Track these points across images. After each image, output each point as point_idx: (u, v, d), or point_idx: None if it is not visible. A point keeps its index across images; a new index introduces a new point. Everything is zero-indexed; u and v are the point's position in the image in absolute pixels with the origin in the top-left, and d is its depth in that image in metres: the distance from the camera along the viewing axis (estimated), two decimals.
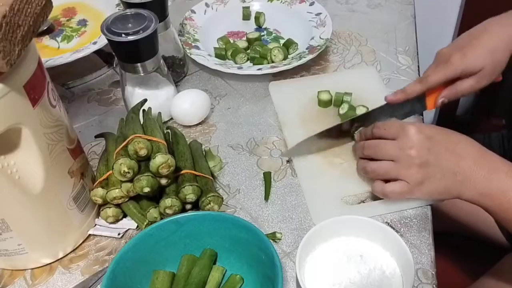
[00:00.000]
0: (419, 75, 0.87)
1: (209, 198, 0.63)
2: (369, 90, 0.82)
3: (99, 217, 0.65)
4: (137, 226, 0.65)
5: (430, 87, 0.70)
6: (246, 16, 0.98)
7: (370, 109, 0.75)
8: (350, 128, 0.73)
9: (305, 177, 0.70)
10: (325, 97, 0.79)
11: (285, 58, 0.87)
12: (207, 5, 0.99)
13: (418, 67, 0.88)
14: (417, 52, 0.92)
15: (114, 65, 0.91)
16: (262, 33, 0.95)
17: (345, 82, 0.84)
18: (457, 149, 0.61)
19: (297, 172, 0.71)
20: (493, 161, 0.61)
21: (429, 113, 1.53)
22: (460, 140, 0.62)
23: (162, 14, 0.79)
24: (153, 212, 0.62)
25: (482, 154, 0.61)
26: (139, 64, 0.72)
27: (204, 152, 0.72)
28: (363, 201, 0.67)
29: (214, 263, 0.58)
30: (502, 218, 0.60)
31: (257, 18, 0.97)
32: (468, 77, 0.69)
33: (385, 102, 0.72)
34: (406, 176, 0.61)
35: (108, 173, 0.64)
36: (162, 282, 0.55)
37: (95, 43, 0.84)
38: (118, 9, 0.89)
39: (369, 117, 0.73)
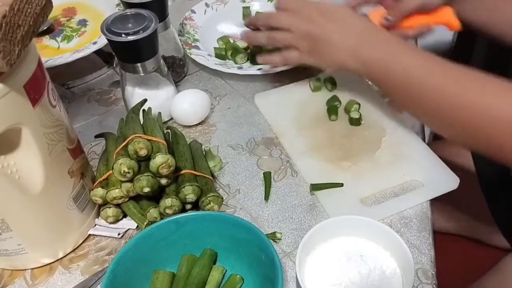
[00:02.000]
0: None
1: (209, 198, 0.63)
2: (357, 85, 0.82)
3: (99, 217, 0.65)
4: (137, 226, 0.65)
5: None
6: (246, 16, 0.98)
7: None
8: None
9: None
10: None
11: None
12: (207, 5, 0.99)
13: None
14: None
15: (114, 65, 0.91)
16: None
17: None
18: (344, 20, 0.67)
19: (307, 180, 0.70)
20: (376, 35, 0.66)
21: None
22: (348, 15, 0.68)
23: (162, 14, 0.79)
24: (153, 212, 0.62)
25: (367, 27, 0.67)
26: (139, 64, 0.72)
27: (204, 152, 0.72)
28: (382, 201, 0.67)
29: (214, 263, 0.58)
30: (383, 88, 0.66)
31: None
32: None
33: None
34: (298, 44, 0.70)
35: (108, 173, 0.64)
36: (162, 282, 0.55)
37: (95, 43, 0.84)
38: (118, 9, 0.89)
39: None
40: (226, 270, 0.58)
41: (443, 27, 0.77)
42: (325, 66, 0.71)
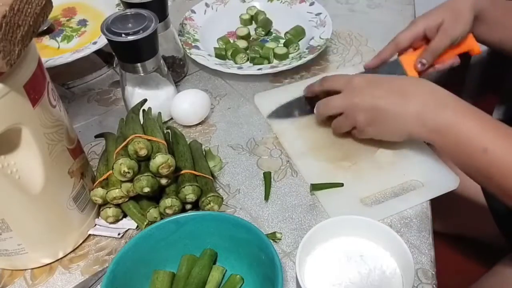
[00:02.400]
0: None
1: (209, 198, 0.63)
2: None
3: (99, 217, 0.65)
4: (137, 226, 0.65)
5: (399, 45, 0.76)
6: (244, 21, 0.98)
7: None
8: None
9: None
10: None
11: (286, 55, 0.88)
12: (207, 5, 0.99)
13: None
14: None
15: (114, 65, 0.91)
16: (256, 30, 0.94)
17: None
18: (404, 89, 0.64)
19: (307, 180, 0.70)
20: (441, 97, 0.62)
21: None
22: (410, 82, 0.65)
23: (162, 14, 0.79)
24: (153, 212, 0.62)
25: (431, 91, 0.63)
26: (139, 64, 0.72)
27: (204, 152, 0.72)
28: (382, 201, 0.67)
29: (214, 263, 0.58)
30: (449, 155, 0.62)
31: (255, 17, 0.97)
32: (434, 34, 0.75)
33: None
34: (354, 123, 0.67)
35: (108, 173, 0.64)
36: (162, 282, 0.55)
37: (95, 43, 0.84)
38: (118, 9, 0.89)
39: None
40: (226, 270, 0.58)
41: (466, 53, 0.80)
42: (387, 139, 0.68)
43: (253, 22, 0.98)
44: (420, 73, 0.78)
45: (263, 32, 0.94)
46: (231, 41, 0.93)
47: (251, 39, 0.93)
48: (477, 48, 0.78)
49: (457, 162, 0.62)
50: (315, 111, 0.74)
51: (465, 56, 0.79)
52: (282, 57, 0.88)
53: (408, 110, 0.62)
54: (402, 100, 0.63)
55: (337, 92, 0.69)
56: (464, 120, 0.60)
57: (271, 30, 0.95)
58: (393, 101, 0.63)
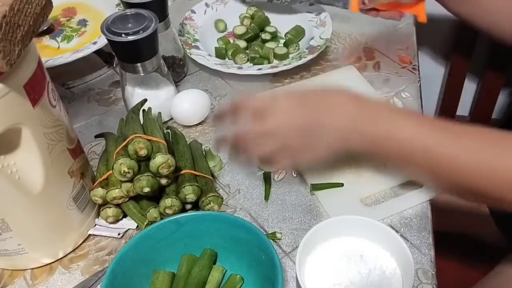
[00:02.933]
0: (419, 75, 0.87)
1: (209, 198, 0.63)
2: (353, 88, 0.82)
3: (99, 217, 0.65)
4: (137, 226, 0.65)
5: None
6: (219, 27, 0.97)
7: None
8: None
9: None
10: None
11: (286, 55, 0.88)
12: (207, 5, 0.99)
13: (418, 67, 0.88)
14: (417, 52, 0.92)
15: (114, 65, 0.91)
16: (249, 28, 0.94)
17: (330, 85, 0.83)
18: (335, 101, 0.58)
19: (307, 180, 0.69)
20: (374, 106, 0.58)
21: (430, 111, 1.53)
22: (340, 93, 0.59)
23: (162, 14, 0.79)
24: (153, 212, 0.62)
25: (362, 100, 0.58)
26: (139, 64, 0.72)
27: (204, 152, 0.72)
28: (382, 201, 0.67)
29: (214, 263, 0.58)
30: (396, 162, 0.59)
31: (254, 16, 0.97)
32: None
33: None
34: (289, 148, 0.58)
35: (108, 173, 0.64)
36: (162, 282, 0.55)
37: (95, 43, 0.84)
38: (118, 9, 0.89)
39: None
40: (226, 270, 0.58)
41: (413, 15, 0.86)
42: (324, 157, 0.60)
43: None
44: (361, 11, 0.81)
45: (258, 30, 0.93)
46: (231, 41, 0.93)
47: (246, 37, 0.93)
48: (424, 17, 0.80)
49: (405, 170, 0.60)
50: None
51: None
52: (282, 57, 0.87)
53: (342, 126, 0.57)
54: (336, 114, 0.57)
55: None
56: (400, 124, 0.56)
57: (266, 29, 0.94)
58: (328, 116, 0.57)
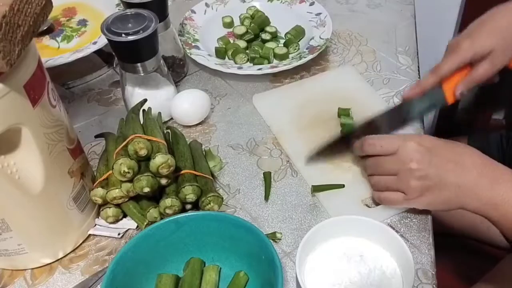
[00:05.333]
0: (419, 75, 0.87)
1: (209, 198, 0.63)
2: (352, 88, 0.82)
3: (99, 217, 0.65)
4: (137, 226, 0.65)
5: (442, 76, 0.69)
6: (226, 25, 0.97)
7: (381, 113, 0.72)
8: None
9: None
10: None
11: (286, 55, 0.88)
12: (207, 5, 0.99)
13: (418, 67, 0.88)
14: (417, 52, 0.92)
15: (114, 65, 0.91)
16: (249, 28, 0.94)
17: (328, 86, 0.84)
18: (460, 160, 0.60)
19: (307, 181, 0.70)
20: (497, 170, 0.60)
21: (430, 113, 1.53)
22: (464, 152, 0.61)
23: (162, 14, 0.79)
24: (153, 212, 0.62)
25: (486, 163, 0.60)
26: (139, 64, 0.72)
27: (204, 152, 0.72)
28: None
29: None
30: (506, 228, 0.60)
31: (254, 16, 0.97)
32: (480, 61, 0.67)
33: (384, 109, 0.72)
34: (405, 189, 0.61)
35: (108, 173, 0.64)
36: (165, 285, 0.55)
37: (95, 43, 0.84)
38: (118, 9, 0.89)
39: (380, 123, 0.71)
40: (220, 268, 0.58)
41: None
42: (437, 209, 0.63)
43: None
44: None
45: (258, 30, 0.93)
46: (231, 41, 0.93)
47: (246, 38, 0.93)
48: None
49: None
50: (366, 170, 0.68)
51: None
52: (282, 57, 0.88)
53: (464, 182, 0.59)
54: (459, 170, 0.59)
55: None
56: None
57: (266, 29, 0.94)
58: (451, 170, 0.60)
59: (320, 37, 0.90)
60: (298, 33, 0.92)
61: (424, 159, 0.60)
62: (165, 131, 0.71)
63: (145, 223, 0.62)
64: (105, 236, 0.65)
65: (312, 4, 0.97)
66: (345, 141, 0.71)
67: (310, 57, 0.85)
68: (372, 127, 0.70)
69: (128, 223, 0.65)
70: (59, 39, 0.90)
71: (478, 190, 0.58)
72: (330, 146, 0.71)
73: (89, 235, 0.65)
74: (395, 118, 0.71)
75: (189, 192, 0.62)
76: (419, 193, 0.61)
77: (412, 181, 0.60)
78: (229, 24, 0.97)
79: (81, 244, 0.64)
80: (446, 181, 0.59)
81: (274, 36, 0.93)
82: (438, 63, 0.70)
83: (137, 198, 0.64)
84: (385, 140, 0.63)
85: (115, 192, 0.62)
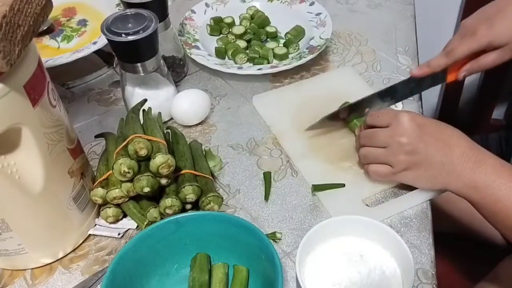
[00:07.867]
0: None
1: (209, 198, 0.63)
2: (352, 88, 0.82)
3: (99, 217, 0.65)
4: (137, 226, 0.65)
5: (456, 60, 0.69)
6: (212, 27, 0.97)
7: (391, 84, 0.75)
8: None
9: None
10: None
11: (286, 55, 0.88)
12: (207, 5, 0.99)
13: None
14: (417, 52, 0.92)
15: (114, 65, 0.91)
16: (249, 28, 0.94)
17: (328, 86, 0.84)
18: (448, 140, 0.62)
19: (307, 181, 0.70)
20: (481, 154, 0.61)
21: (429, 112, 1.53)
22: (452, 133, 0.63)
23: (162, 14, 0.79)
24: (153, 212, 0.62)
25: (472, 147, 0.61)
26: (139, 64, 0.72)
27: (204, 152, 0.72)
28: (382, 201, 0.67)
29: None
30: (485, 212, 0.61)
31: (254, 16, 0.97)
32: (493, 50, 0.67)
33: (404, 78, 0.75)
34: (393, 162, 0.63)
35: (108, 173, 0.64)
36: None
37: (95, 43, 0.84)
38: (118, 9, 0.89)
39: (389, 94, 0.75)
40: (228, 266, 0.58)
41: None
42: (421, 186, 0.65)
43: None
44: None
45: (258, 30, 0.93)
46: (231, 41, 0.93)
47: (245, 38, 0.93)
48: None
49: (493, 220, 0.61)
50: (355, 143, 0.71)
51: None
52: (282, 57, 0.88)
53: (449, 162, 0.60)
54: (446, 149, 0.61)
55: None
56: (502, 179, 0.58)
57: (266, 29, 0.94)
58: (438, 148, 0.61)
59: (320, 37, 0.90)
60: (298, 33, 0.92)
61: (414, 134, 0.62)
62: (165, 131, 0.71)
63: (145, 223, 0.62)
64: (105, 236, 0.65)
65: (312, 4, 0.97)
66: (343, 112, 0.74)
67: (310, 57, 0.85)
68: (368, 101, 0.73)
69: (128, 223, 0.65)
70: (59, 39, 0.90)
71: (461, 171, 0.60)
72: (330, 116, 0.74)
73: (89, 235, 0.65)
74: (402, 90, 0.75)
75: (189, 192, 0.62)
76: (406, 167, 0.62)
77: (401, 155, 0.62)
78: (230, 25, 0.96)
79: (81, 244, 0.64)
80: (433, 159, 0.61)
81: (274, 36, 0.93)
82: (450, 41, 0.70)
83: (137, 198, 0.64)
84: (383, 112, 0.66)
85: (115, 192, 0.62)
